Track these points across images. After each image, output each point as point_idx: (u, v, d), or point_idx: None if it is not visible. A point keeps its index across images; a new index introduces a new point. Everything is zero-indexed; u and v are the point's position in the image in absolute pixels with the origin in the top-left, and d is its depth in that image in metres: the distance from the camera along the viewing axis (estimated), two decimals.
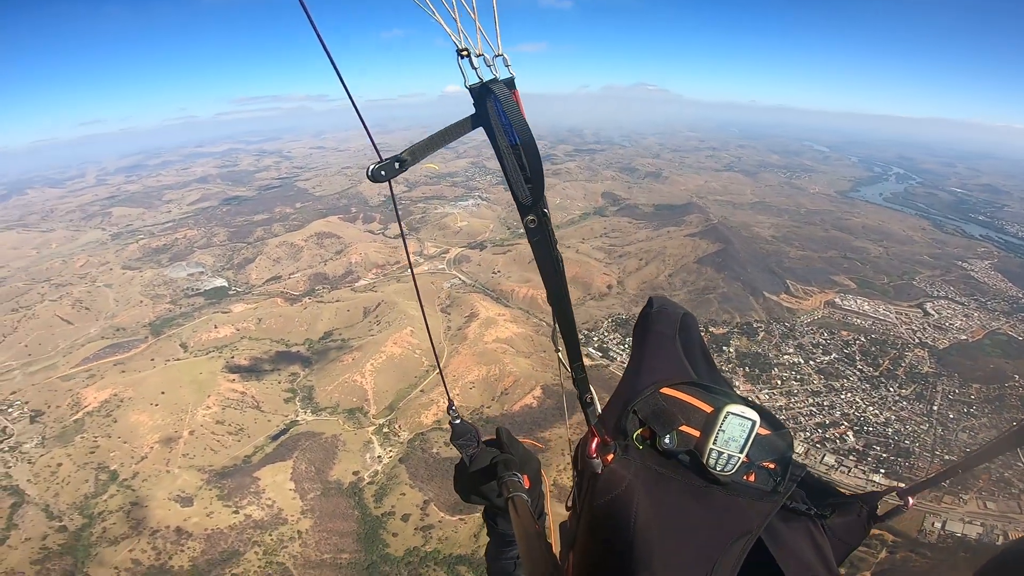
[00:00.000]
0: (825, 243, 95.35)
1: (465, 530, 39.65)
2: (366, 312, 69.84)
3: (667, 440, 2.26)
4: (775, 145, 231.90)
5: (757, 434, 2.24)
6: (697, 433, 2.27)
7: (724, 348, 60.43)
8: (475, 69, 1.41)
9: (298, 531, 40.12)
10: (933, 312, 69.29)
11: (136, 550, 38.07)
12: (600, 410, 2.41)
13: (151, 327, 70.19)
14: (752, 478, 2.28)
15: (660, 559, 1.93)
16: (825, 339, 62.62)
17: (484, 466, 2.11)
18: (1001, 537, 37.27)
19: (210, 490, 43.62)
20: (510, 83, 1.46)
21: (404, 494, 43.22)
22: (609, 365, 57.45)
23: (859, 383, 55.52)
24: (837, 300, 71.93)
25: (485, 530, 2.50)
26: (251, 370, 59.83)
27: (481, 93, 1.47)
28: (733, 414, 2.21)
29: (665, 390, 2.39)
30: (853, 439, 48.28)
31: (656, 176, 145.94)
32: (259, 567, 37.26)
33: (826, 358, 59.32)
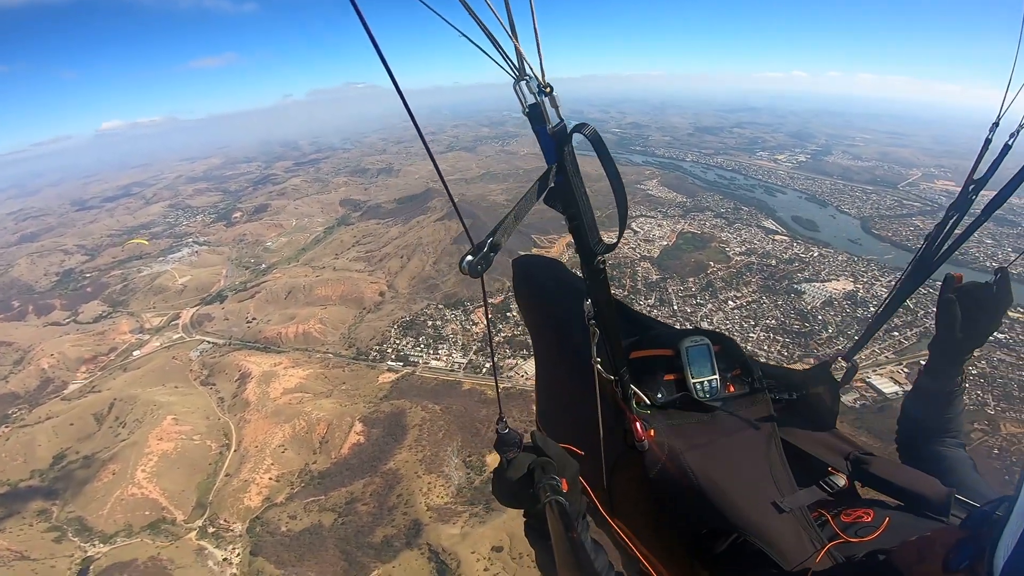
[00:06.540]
0: None
1: None
2: (99, 418, 53.73)
3: (659, 396, 2.41)
4: (483, 119, 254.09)
5: (715, 352, 2.48)
6: (674, 376, 2.46)
7: (508, 314, 62.50)
8: (531, 94, 1.24)
9: None
10: (639, 230, 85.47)
11: None
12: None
13: None
14: (732, 389, 2.51)
15: (733, 493, 2.05)
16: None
17: (521, 470, 1.94)
18: None
19: None
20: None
21: None
22: (414, 371, 55.82)
23: None
24: (573, 240, 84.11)
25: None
26: None
27: (563, 138, 1.34)
28: (690, 346, 2.44)
29: (633, 354, 2.48)
30: None
31: (388, 171, 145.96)
32: None
33: None
